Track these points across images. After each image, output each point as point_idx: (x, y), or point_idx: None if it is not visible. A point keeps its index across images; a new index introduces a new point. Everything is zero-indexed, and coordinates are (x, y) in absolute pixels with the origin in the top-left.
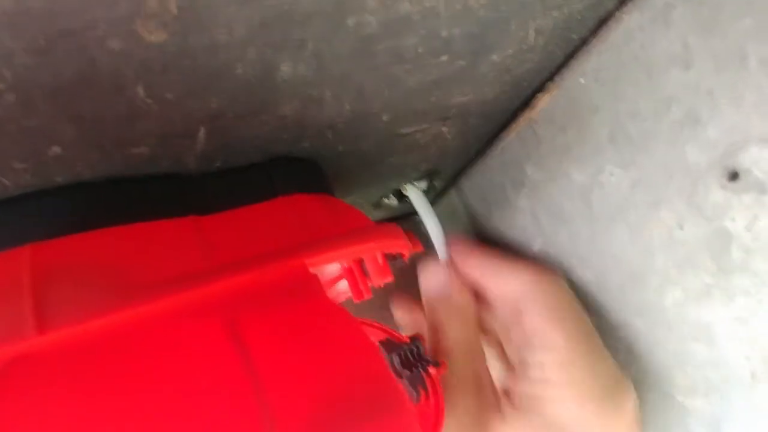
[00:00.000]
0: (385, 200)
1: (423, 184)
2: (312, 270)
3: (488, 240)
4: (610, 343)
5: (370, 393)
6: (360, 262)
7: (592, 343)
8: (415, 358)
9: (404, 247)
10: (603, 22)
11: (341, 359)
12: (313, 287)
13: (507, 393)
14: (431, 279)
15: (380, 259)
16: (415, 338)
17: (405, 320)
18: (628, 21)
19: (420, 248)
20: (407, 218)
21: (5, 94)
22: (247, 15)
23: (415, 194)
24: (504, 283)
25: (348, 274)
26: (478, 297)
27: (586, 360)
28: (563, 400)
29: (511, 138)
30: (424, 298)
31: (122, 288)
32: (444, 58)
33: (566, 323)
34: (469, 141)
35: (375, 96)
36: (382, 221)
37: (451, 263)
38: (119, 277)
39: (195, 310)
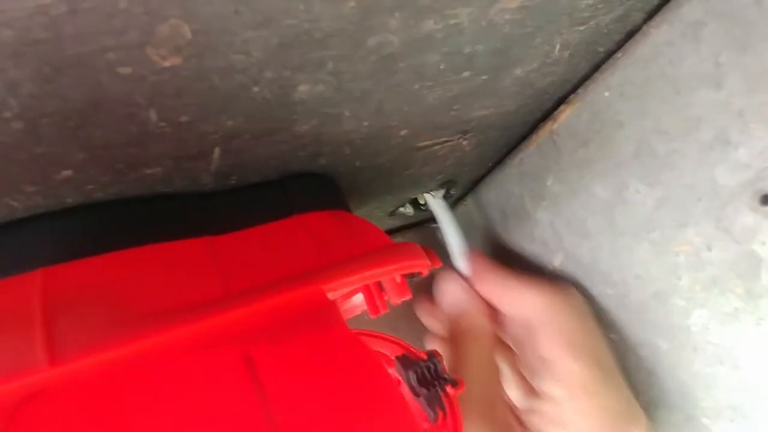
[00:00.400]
0: (401, 209)
1: (439, 194)
2: (330, 295)
3: (507, 252)
4: (632, 361)
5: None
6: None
7: (606, 372)
8: (433, 376)
9: (424, 266)
10: (629, 35)
11: (357, 395)
12: (331, 316)
13: (520, 419)
14: (449, 294)
15: (398, 278)
16: (433, 355)
17: (434, 326)
18: (656, 35)
19: (439, 264)
20: (421, 225)
21: (12, 122)
22: (265, 37)
23: (436, 205)
24: (517, 305)
25: (364, 288)
26: (494, 315)
27: (598, 392)
28: None
29: (530, 149)
30: (440, 313)
31: (136, 316)
32: (466, 74)
33: (578, 351)
34: (488, 152)
35: (394, 112)
36: (396, 229)
37: (469, 280)
38: (133, 304)
39: (211, 340)
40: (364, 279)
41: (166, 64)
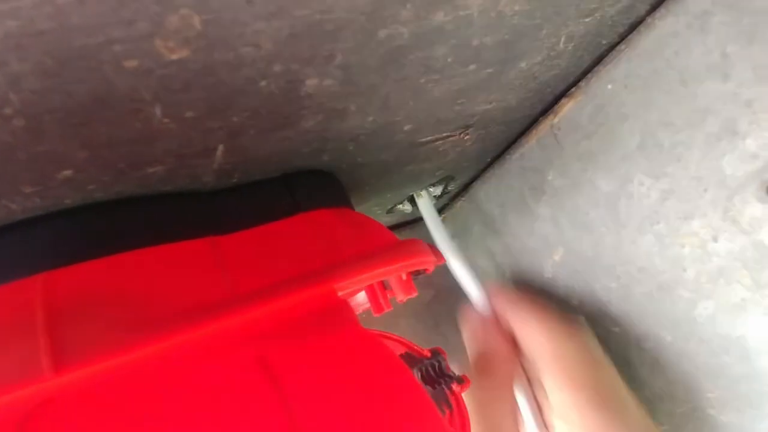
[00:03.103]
0: (399, 206)
1: (438, 190)
2: (341, 293)
3: (506, 248)
4: (635, 354)
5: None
6: None
7: (608, 405)
8: (437, 374)
9: (431, 263)
10: (633, 27)
11: (379, 393)
12: (344, 315)
13: None
14: (472, 330)
15: (404, 275)
16: (437, 352)
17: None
18: (662, 27)
19: (443, 260)
20: (417, 222)
21: (13, 119)
22: (276, 28)
23: (424, 204)
24: (528, 333)
25: (368, 287)
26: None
27: (597, 427)
28: None
29: (531, 144)
30: (467, 345)
31: (142, 321)
32: (472, 67)
33: (580, 388)
34: (488, 147)
35: (399, 107)
36: (392, 226)
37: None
38: (138, 308)
39: (223, 343)
40: (374, 277)
41: (174, 57)
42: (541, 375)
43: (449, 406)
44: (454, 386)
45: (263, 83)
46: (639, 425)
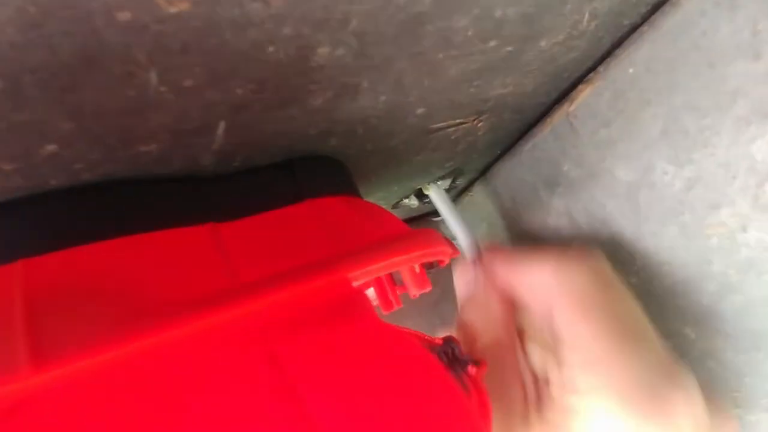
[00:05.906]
0: (405, 201)
1: (446, 183)
2: (355, 284)
3: (518, 243)
4: None
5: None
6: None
7: (630, 335)
8: (451, 359)
9: (447, 254)
10: (657, 7)
11: (402, 389)
12: (360, 306)
13: (539, 401)
14: (462, 280)
15: (417, 268)
16: (449, 340)
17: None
18: (688, 5)
19: (458, 253)
20: (423, 218)
21: None
22: None
23: (436, 194)
24: (530, 280)
25: (376, 282)
26: (516, 302)
27: (620, 358)
28: (594, 411)
29: (544, 133)
30: (458, 299)
31: (133, 312)
32: (492, 43)
33: (595, 316)
34: (499, 137)
35: (413, 86)
36: None
37: (483, 269)
38: (128, 299)
39: (225, 337)
40: (388, 267)
41: (173, 9)
42: (552, 323)
43: (466, 389)
44: (471, 369)
45: (271, 49)
46: (662, 360)
